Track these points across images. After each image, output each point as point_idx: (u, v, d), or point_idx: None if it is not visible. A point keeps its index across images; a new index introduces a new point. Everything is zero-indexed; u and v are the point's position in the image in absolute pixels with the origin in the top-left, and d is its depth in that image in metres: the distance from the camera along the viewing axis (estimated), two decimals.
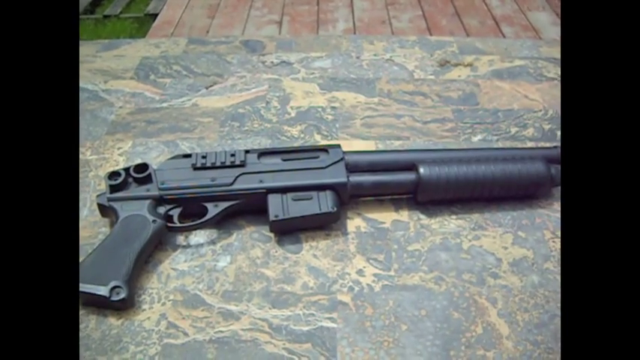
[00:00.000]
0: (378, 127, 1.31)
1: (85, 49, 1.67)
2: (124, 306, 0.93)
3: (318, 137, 1.29)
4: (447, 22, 3.44)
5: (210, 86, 1.47)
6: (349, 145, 1.17)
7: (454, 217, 1.09)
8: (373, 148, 1.25)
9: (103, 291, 0.92)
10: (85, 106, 1.41)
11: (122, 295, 0.92)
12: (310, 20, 3.46)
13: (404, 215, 1.10)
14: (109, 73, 1.54)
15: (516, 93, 1.43)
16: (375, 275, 0.99)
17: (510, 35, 3.17)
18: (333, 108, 1.38)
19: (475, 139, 1.28)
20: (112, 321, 0.92)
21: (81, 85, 1.49)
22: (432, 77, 1.49)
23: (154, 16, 3.67)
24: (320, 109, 1.38)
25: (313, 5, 3.63)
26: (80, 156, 1.25)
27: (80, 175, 1.19)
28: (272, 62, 1.57)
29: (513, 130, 1.30)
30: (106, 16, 3.99)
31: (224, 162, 1.08)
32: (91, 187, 1.17)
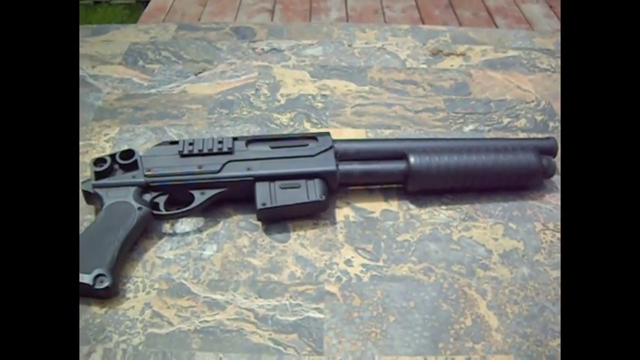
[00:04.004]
0: (368, 115, 1.30)
1: None
2: (108, 294, 0.91)
3: (307, 125, 1.28)
4: (440, 12, 3.42)
5: (200, 73, 1.45)
6: (339, 133, 1.16)
7: (444, 207, 1.08)
8: (363, 137, 1.23)
9: (86, 279, 0.90)
10: None
11: (106, 284, 0.90)
12: (303, 9, 3.43)
13: (393, 205, 1.08)
14: (96, 59, 1.52)
15: (509, 83, 1.42)
16: (363, 265, 0.98)
17: (504, 27, 3.15)
18: (324, 96, 1.36)
19: (467, 129, 1.26)
20: (96, 310, 0.91)
21: None
22: (424, 66, 1.48)
23: (145, 3, 3.63)
24: (310, 97, 1.36)
25: None
26: None
27: None
28: (262, 49, 1.55)
29: (505, 120, 1.29)
30: (97, 2, 3.96)
31: (211, 149, 1.06)
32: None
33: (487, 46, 1.57)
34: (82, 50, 1.55)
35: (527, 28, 3.15)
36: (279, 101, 1.35)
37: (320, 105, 1.33)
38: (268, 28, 1.65)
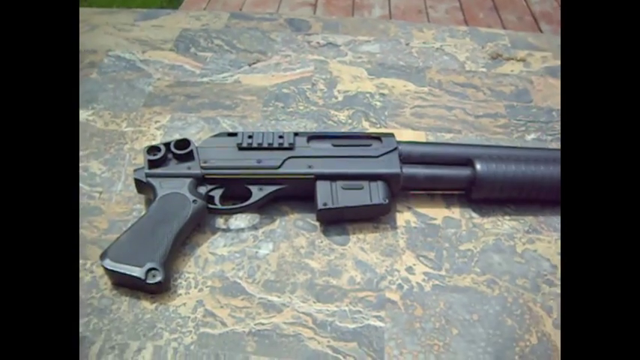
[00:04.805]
0: (428, 117, 1.26)
1: (122, 17, 1.62)
2: (159, 290, 0.89)
3: (366, 124, 1.23)
4: (485, 15, 3.36)
5: (254, 63, 1.42)
6: (399, 134, 1.10)
7: (507, 217, 1.04)
8: (423, 139, 1.19)
9: (138, 272, 0.87)
10: (121, 75, 1.37)
11: (158, 278, 0.87)
12: (345, 5, 3.39)
13: (455, 212, 1.04)
14: (147, 43, 1.49)
15: None
16: (425, 274, 0.94)
17: (548, 32, 3.09)
18: (382, 95, 1.32)
19: (529, 137, 1.21)
20: (146, 305, 0.88)
21: (118, 53, 1.44)
22: (484, 70, 1.43)
23: None
24: (368, 95, 1.32)
25: None
26: (116, 127, 1.21)
27: (115, 147, 1.15)
28: (318, 43, 1.51)
29: None
30: None
31: (271, 143, 1.02)
32: (127, 160, 1.12)
33: (547, 53, 1.51)
34: (131, 34, 1.52)
35: None
36: (336, 97, 1.31)
37: (378, 104, 1.29)
38: (323, 22, 1.61)
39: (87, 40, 1.50)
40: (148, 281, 0.87)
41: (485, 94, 1.34)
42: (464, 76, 1.40)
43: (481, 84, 1.37)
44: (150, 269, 0.87)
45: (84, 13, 1.66)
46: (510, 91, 1.36)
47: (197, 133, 1.18)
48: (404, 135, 1.18)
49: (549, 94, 1.36)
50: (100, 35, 1.52)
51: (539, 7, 3.41)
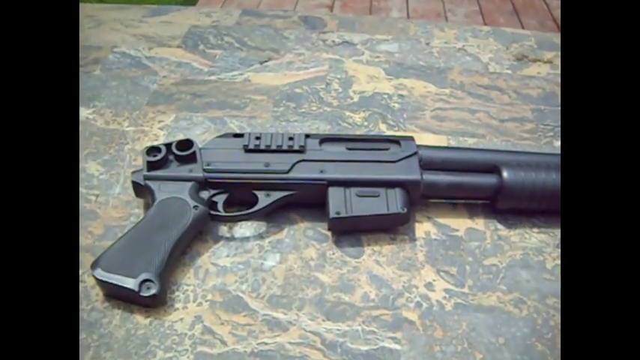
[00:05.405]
0: (450, 121, 1.18)
1: (131, 13, 1.55)
2: (154, 303, 0.82)
3: (383, 127, 1.16)
4: (505, 20, 3.29)
5: (265, 62, 1.35)
6: (418, 138, 1.03)
7: (536, 230, 0.96)
8: (445, 144, 1.12)
9: (131, 284, 0.80)
10: (126, 72, 1.31)
11: (153, 291, 0.80)
12: (362, 7, 3.34)
13: (479, 223, 0.97)
14: (154, 40, 1.42)
15: None
16: (446, 291, 0.86)
17: None
18: (401, 96, 1.25)
19: (557, 144, 1.14)
20: (139, 319, 0.81)
21: (124, 50, 1.38)
22: (509, 72, 1.35)
23: None
24: (386, 96, 1.25)
25: None
26: (117, 127, 1.14)
27: (115, 148, 1.09)
28: (333, 41, 1.43)
29: None
30: None
31: (281, 146, 0.96)
32: (126, 161, 1.06)
33: None
34: (138, 30, 1.46)
35: None
36: (351, 98, 1.24)
37: (397, 106, 1.22)
38: (339, 20, 1.54)
39: (92, 36, 1.44)
40: (142, 294, 0.80)
41: (511, 97, 1.26)
42: (487, 77, 1.32)
43: (506, 86, 1.30)
44: (144, 280, 0.80)
45: (92, 9, 1.61)
46: (537, 94, 1.28)
47: (202, 134, 1.12)
48: (424, 139, 1.11)
49: None
50: (106, 31, 1.46)
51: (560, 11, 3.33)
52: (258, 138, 0.96)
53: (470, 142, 1.13)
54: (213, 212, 0.91)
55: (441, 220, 0.97)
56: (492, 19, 3.28)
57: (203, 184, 0.93)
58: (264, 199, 0.92)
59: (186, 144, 0.95)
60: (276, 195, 0.93)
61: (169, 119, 1.16)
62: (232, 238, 0.93)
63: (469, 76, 1.32)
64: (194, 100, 1.22)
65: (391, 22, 1.56)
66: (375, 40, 1.45)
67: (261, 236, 0.93)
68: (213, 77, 1.29)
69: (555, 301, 0.85)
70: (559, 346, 0.79)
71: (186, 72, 1.31)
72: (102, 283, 0.82)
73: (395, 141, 0.98)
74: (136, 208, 0.97)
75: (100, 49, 1.38)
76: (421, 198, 0.96)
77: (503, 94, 1.28)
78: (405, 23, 1.55)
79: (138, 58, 1.35)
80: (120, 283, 0.80)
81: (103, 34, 1.44)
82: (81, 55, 1.34)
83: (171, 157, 0.95)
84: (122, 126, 1.14)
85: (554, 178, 0.94)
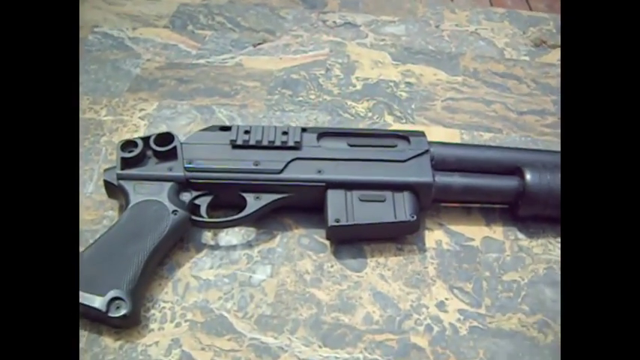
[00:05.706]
0: (462, 112, 1.09)
1: None
2: (126, 324, 0.73)
3: (389, 118, 1.07)
4: (513, 2, 3.18)
5: (259, 44, 1.25)
6: (428, 132, 0.94)
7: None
8: (457, 139, 1.03)
9: (98, 303, 0.72)
10: (106, 55, 1.21)
11: (123, 311, 0.72)
12: None
13: (497, 232, 0.88)
14: (139, 19, 1.32)
15: None
16: (460, 312, 0.77)
17: None
18: (408, 84, 1.15)
19: None
20: (108, 342, 0.73)
21: (105, 30, 1.28)
22: (527, 59, 1.25)
23: None
24: (392, 84, 1.15)
25: None
26: (93, 115, 1.05)
27: (90, 140, 1.00)
28: (334, 22, 1.34)
29: None
30: None
31: (273, 141, 0.87)
32: (102, 155, 0.97)
33: None
34: (123, 9, 1.36)
35: None
36: (354, 86, 1.15)
37: (404, 95, 1.12)
38: None
39: None
40: (110, 314, 0.72)
41: (530, 87, 1.16)
42: (503, 64, 1.22)
43: (524, 75, 1.20)
44: (113, 299, 0.72)
45: None
46: (558, 83, 1.18)
47: (187, 125, 1.03)
48: (434, 133, 1.01)
49: None
50: (87, 9, 1.36)
51: None
52: (247, 132, 0.88)
53: (485, 137, 1.04)
54: (195, 217, 0.83)
55: (455, 228, 0.88)
56: (500, 2, 3.18)
57: (184, 184, 0.85)
58: (253, 202, 0.84)
59: (166, 138, 0.87)
60: (268, 198, 0.85)
61: (152, 107, 1.07)
62: (217, 247, 0.85)
63: (483, 63, 1.22)
64: (180, 87, 1.12)
65: (398, 2, 1.46)
66: (380, 22, 1.35)
67: (249, 245, 0.85)
68: (201, 61, 1.20)
69: None
70: None
71: (173, 55, 1.21)
72: None
73: (404, 137, 0.89)
74: (110, 210, 0.88)
75: (80, 29, 1.27)
76: (432, 202, 0.87)
77: (521, 83, 1.18)
78: (412, 3, 1.45)
79: (120, 39, 1.25)
80: (86, 302, 0.72)
81: (83, 13, 1.34)
82: None
83: (149, 153, 0.86)
84: (99, 115, 1.05)
85: None
